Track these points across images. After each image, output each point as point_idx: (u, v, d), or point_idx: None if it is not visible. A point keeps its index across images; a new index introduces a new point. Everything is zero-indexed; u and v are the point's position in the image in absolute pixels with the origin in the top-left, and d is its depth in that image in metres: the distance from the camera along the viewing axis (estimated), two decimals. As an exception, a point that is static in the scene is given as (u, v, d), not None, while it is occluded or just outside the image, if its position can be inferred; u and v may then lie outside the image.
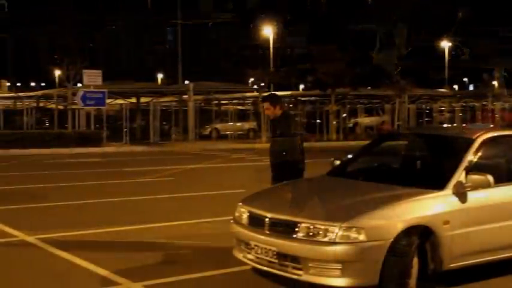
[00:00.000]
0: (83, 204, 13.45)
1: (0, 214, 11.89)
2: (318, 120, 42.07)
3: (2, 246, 9.40)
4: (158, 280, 7.50)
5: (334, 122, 40.96)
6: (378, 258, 6.46)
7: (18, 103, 50.12)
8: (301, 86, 60.40)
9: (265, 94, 9.64)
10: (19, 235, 10.05)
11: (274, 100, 9.40)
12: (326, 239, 6.49)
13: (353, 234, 6.43)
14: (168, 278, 7.62)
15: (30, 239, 9.77)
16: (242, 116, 44.77)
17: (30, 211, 12.56)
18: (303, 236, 6.63)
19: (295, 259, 6.67)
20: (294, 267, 6.70)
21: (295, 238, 6.68)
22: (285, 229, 6.80)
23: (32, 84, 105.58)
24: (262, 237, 6.99)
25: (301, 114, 45.70)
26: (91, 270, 7.92)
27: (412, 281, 6.65)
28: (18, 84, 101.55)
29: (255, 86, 44.83)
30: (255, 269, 7.46)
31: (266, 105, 9.37)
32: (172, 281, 7.53)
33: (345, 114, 44.30)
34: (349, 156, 8.84)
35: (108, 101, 34.03)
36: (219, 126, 42.81)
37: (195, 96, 40.63)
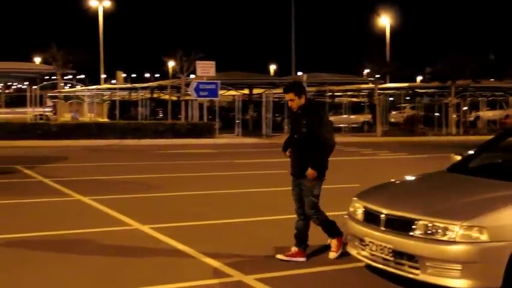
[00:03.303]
0: (195, 195, 13.59)
1: (116, 203, 12.18)
2: (436, 114, 40.88)
3: (118, 234, 9.62)
4: (270, 274, 7.42)
5: (454, 116, 39.62)
6: (501, 260, 6.13)
7: (133, 94, 51.44)
8: (419, 78, 59.04)
9: (288, 83, 8.47)
10: (134, 224, 10.24)
11: (299, 89, 8.09)
12: (445, 238, 6.24)
13: (474, 234, 6.13)
14: (280, 272, 7.53)
15: (145, 228, 9.94)
16: (356, 108, 44.13)
17: (144, 201, 12.81)
18: (421, 234, 6.42)
19: (412, 258, 6.48)
20: (411, 266, 6.50)
21: (412, 236, 6.48)
22: (402, 226, 6.60)
23: (147, 75, 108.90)
24: (377, 233, 6.81)
25: (418, 107, 44.66)
26: (203, 262, 7.94)
27: (540, 287, 6.23)
28: (134, 75, 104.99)
29: (371, 78, 44.09)
30: (369, 266, 7.29)
31: (290, 96, 8.02)
32: (284, 275, 7.43)
33: (465, 108, 42.79)
34: (471, 151, 8.41)
35: (220, 92, 34.39)
36: (332, 118, 42.17)
37: (308, 88, 40.45)
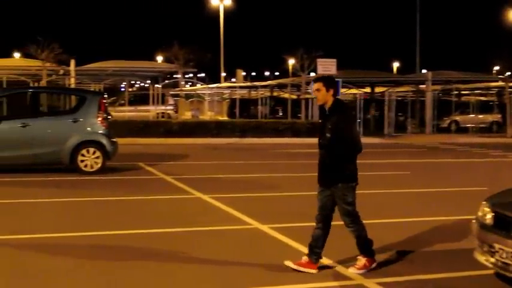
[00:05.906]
0: (313, 195, 13.31)
1: (235, 201, 12.17)
2: None
3: (237, 233, 9.60)
4: (391, 278, 7.15)
5: None
6: None
7: (253, 92, 51.76)
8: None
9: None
10: (253, 223, 10.17)
11: (329, 82, 7.49)
12: None
13: None
14: (402, 277, 7.24)
15: (264, 227, 9.85)
16: (484, 107, 42.50)
17: (263, 200, 12.73)
18: (555, 243, 5.91)
19: (545, 268, 5.98)
20: (544, 277, 6.00)
21: (546, 244, 5.98)
22: (535, 233, 6.11)
23: (266, 73, 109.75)
24: (508, 240, 6.40)
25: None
26: (323, 264, 7.68)
27: None
28: (253, 73, 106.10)
29: (500, 75, 42.33)
30: (498, 275, 6.88)
31: (318, 85, 7.44)
32: (406, 281, 7.13)
33: None
34: None
35: (342, 90, 33.98)
36: (458, 118, 41.08)
37: (433, 86, 39.41)
